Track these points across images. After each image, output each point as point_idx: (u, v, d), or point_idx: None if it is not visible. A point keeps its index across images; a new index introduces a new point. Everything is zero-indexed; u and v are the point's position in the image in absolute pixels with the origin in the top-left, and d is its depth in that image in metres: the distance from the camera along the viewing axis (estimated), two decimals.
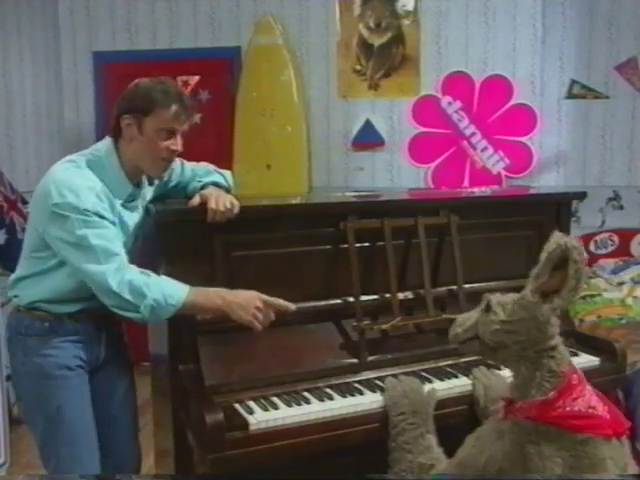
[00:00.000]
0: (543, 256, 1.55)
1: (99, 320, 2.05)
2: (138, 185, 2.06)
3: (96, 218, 1.85)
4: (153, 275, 1.86)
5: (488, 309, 1.66)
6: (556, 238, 1.56)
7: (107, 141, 2.00)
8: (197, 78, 4.66)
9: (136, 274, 1.84)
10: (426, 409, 1.87)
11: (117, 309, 1.85)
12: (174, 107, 1.93)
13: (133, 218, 2.04)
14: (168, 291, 1.82)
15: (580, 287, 1.52)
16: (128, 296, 1.80)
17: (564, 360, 1.62)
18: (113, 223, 1.92)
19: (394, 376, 2.02)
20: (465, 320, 1.73)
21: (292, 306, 1.89)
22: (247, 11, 4.56)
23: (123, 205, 1.99)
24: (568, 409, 1.55)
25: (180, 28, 4.67)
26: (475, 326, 1.68)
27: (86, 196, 1.85)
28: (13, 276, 2.06)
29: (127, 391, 2.22)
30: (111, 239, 1.86)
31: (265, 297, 1.86)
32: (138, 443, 2.28)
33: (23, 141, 4.24)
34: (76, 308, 2.00)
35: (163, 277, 1.88)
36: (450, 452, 1.76)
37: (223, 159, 4.49)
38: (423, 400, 1.89)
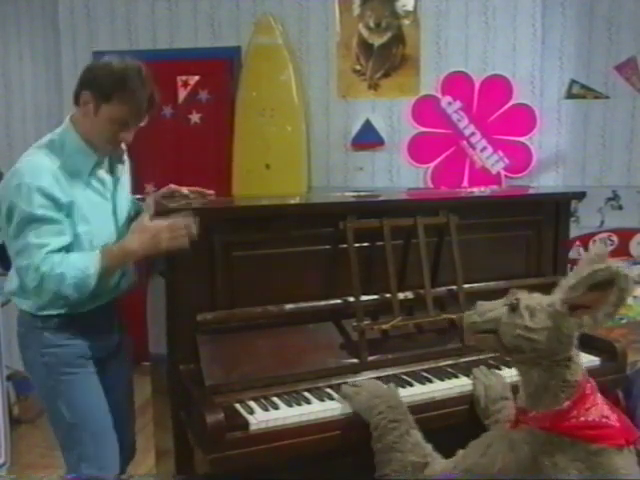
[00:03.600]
0: (584, 271, 1.47)
1: (111, 309, 2.12)
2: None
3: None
4: (65, 255, 1.88)
5: (515, 309, 1.58)
6: (600, 257, 1.50)
7: (66, 118, 2.03)
8: (197, 78, 4.65)
9: (49, 265, 1.85)
10: (400, 402, 1.83)
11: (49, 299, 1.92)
12: (136, 103, 1.92)
13: (110, 185, 2.07)
14: (80, 263, 1.87)
15: (616, 314, 1.48)
16: (52, 286, 1.85)
17: (578, 370, 1.58)
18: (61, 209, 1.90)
19: (378, 378, 2.01)
20: (487, 310, 1.64)
21: (189, 218, 1.90)
22: (247, 11, 4.56)
23: (92, 175, 2.00)
24: (582, 419, 1.52)
25: (180, 28, 4.67)
26: (497, 320, 1.60)
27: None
28: (9, 287, 2.06)
29: (130, 377, 2.29)
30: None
31: (165, 224, 1.88)
32: (134, 429, 2.34)
33: (23, 141, 4.24)
34: (88, 307, 2.02)
35: (72, 254, 1.90)
36: (450, 452, 1.76)
37: (223, 159, 4.52)
38: (393, 394, 1.85)
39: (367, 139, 4.54)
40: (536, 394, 1.59)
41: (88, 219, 1.96)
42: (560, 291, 1.53)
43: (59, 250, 1.87)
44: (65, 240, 1.90)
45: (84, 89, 1.94)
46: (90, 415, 2.05)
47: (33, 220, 1.84)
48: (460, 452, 1.70)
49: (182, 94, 4.67)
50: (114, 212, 2.08)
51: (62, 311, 2.00)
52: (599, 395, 1.60)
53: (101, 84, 1.91)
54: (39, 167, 1.88)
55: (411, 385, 2.02)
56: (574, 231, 3.94)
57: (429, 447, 1.77)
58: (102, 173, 2.05)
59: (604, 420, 1.53)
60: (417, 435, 1.78)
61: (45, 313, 2.00)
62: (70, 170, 1.94)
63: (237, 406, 1.85)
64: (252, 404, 1.87)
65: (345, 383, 1.99)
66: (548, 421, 1.54)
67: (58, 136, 2.00)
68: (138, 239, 1.91)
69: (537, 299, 1.59)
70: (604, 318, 1.47)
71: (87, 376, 2.05)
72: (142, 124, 2.00)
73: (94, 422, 2.06)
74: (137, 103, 1.93)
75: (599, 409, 1.55)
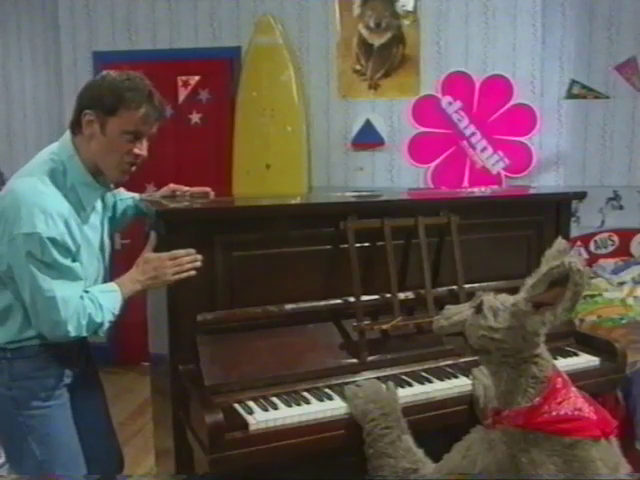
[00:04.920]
0: (543, 268, 1.53)
1: None
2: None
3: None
4: (94, 300, 1.82)
5: (479, 310, 1.64)
6: (560, 253, 1.54)
7: (65, 140, 1.87)
8: (197, 78, 4.66)
9: (87, 313, 1.80)
10: (394, 408, 1.84)
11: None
12: (143, 109, 1.80)
13: (95, 232, 1.97)
14: (111, 305, 1.84)
15: (574, 309, 1.51)
16: (87, 333, 1.83)
17: (547, 365, 1.62)
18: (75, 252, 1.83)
19: (375, 379, 2.01)
20: (454, 313, 1.71)
21: (191, 251, 1.90)
22: (247, 11, 4.56)
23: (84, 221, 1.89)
24: (554, 413, 1.54)
25: (180, 28, 4.67)
26: (463, 323, 1.67)
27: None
28: None
29: (101, 394, 2.21)
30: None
31: (165, 255, 1.88)
32: (117, 441, 2.28)
33: (23, 141, 4.25)
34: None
35: (97, 294, 1.84)
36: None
37: (223, 159, 4.52)
38: (389, 400, 1.86)
39: (367, 139, 4.54)
40: (507, 392, 1.62)
41: (84, 262, 1.87)
42: (524, 290, 1.58)
43: (81, 296, 1.81)
44: (82, 284, 1.83)
45: (84, 109, 1.81)
46: (63, 450, 1.92)
47: (54, 269, 1.75)
48: (445, 456, 1.72)
49: (182, 94, 4.67)
50: (101, 244, 2.00)
51: (37, 341, 1.86)
52: (572, 389, 1.62)
53: (103, 97, 1.79)
54: (49, 212, 1.73)
55: (410, 385, 2.02)
56: (575, 231, 3.94)
57: (420, 452, 1.78)
58: (98, 203, 1.97)
59: (577, 413, 1.55)
60: (409, 441, 1.79)
61: (16, 345, 1.86)
62: (72, 204, 1.83)
63: (236, 406, 1.85)
64: (251, 404, 1.87)
65: (345, 383, 1.99)
66: (521, 418, 1.57)
67: (61, 164, 1.83)
68: (142, 272, 1.89)
69: (502, 299, 1.63)
70: (563, 313, 1.51)
71: (60, 408, 1.92)
72: (154, 131, 1.88)
73: (66, 456, 1.93)
74: (145, 106, 1.81)
75: (572, 402, 1.57)
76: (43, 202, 1.75)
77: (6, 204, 1.77)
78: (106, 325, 1.84)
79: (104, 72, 1.88)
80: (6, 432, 1.93)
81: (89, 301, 1.81)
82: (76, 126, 1.85)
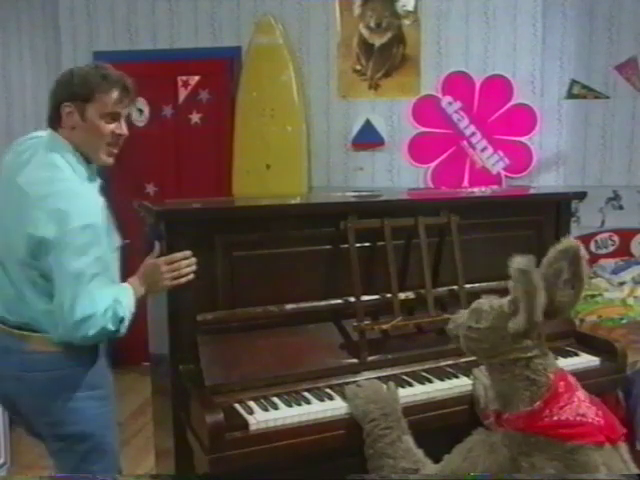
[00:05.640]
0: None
1: None
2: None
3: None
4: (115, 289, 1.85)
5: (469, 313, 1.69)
6: (561, 253, 1.56)
7: (51, 138, 1.91)
8: (197, 78, 4.65)
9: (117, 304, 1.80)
10: (395, 409, 1.84)
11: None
12: (116, 90, 1.89)
13: None
14: (130, 302, 1.84)
15: (532, 314, 1.52)
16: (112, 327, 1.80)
17: (546, 369, 1.60)
18: None
19: (377, 379, 2.01)
20: (459, 317, 1.75)
21: (188, 254, 1.92)
22: (247, 11, 4.56)
23: None
24: (555, 418, 1.53)
25: (180, 28, 4.67)
26: (460, 325, 1.71)
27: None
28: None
29: None
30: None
31: (162, 259, 1.90)
32: None
33: None
34: None
35: (123, 296, 1.85)
36: (449, 453, 1.76)
37: (223, 159, 4.52)
38: (389, 401, 1.86)
39: (367, 139, 4.54)
40: (502, 394, 1.63)
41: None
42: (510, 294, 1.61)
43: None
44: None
45: (61, 103, 1.88)
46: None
47: (103, 263, 1.80)
48: (446, 457, 1.72)
49: (182, 94, 4.67)
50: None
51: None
52: (577, 393, 1.60)
53: (77, 87, 1.88)
54: (99, 205, 1.83)
55: (411, 385, 2.02)
56: (575, 231, 3.92)
57: (420, 453, 1.78)
58: None
59: (579, 418, 1.54)
60: (409, 441, 1.79)
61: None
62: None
63: (237, 406, 1.85)
64: (252, 404, 1.87)
65: (345, 383, 1.99)
66: (521, 422, 1.56)
67: (65, 161, 1.88)
68: (140, 278, 1.91)
69: (495, 302, 1.65)
70: (523, 315, 1.53)
71: None
72: (129, 111, 1.98)
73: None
74: (117, 88, 1.90)
75: (574, 407, 1.55)
76: (90, 195, 1.84)
77: (56, 203, 1.78)
78: (126, 320, 1.82)
79: (72, 67, 1.96)
80: (91, 435, 1.93)
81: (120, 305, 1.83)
82: (56, 121, 1.91)
